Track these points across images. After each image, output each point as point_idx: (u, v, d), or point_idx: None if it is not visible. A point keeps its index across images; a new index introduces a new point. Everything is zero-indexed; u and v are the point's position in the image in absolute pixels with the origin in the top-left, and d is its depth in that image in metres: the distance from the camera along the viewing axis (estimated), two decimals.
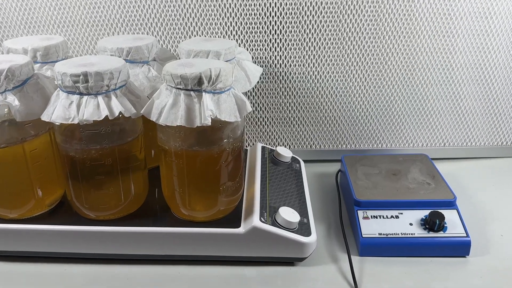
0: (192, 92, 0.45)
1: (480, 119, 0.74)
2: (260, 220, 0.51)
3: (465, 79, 0.71)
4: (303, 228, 0.52)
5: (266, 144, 0.75)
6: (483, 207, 0.64)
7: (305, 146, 0.76)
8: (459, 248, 0.54)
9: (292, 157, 0.67)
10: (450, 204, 0.57)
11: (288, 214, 0.52)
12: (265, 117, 0.73)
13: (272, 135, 0.75)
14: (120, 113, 0.46)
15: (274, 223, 0.51)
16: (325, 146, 0.75)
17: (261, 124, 0.74)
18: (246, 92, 0.68)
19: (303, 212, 0.55)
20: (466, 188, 0.68)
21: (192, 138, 0.48)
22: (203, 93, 0.45)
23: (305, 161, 0.71)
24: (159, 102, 0.46)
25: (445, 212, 0.56)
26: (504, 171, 0.73)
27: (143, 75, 0.55)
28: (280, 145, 0.76)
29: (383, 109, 0.73)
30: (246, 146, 0.74)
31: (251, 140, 0.75)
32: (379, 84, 0.71)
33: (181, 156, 0.48)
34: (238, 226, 0.51)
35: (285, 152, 0.66)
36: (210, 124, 0.44)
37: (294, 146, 0.76)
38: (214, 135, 0.48)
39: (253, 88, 0.71)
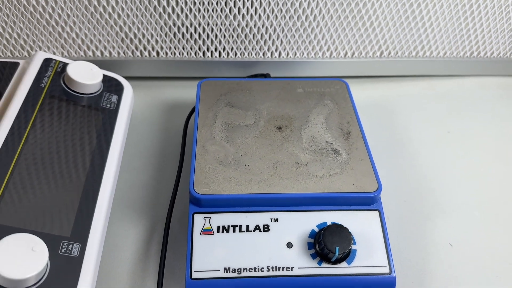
0: None
1: (438, 15, 0.45)
2: None
3: None
4: (61, 272, 0.25)
5: (67, 52, 0.43)
6: (430, 184, 0.38)
7: (140, 53, 0.44)
8: None
9: (108, 79, 0.37)
10: (367, 201, 0.30)
11: (12, 252, 0.24)
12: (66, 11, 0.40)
13: (75, 35, 0.43)
14: None
15: None
16: (182, 52, 0.45)
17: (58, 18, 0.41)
18: None
19: (78, 227, 0.27)
20: (403, 143, 0.42)
21: None
22: None
23: (134, 79, 0.41)
24: None
25: (356, 217, 0.29)
26: (469, 101, 0.47)
27: None
28: (90, 57, 0.44)
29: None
30: (20, 56, 0.41)
31: (34, 45, 0.43)
32: None
33: None
34: None
35: (85, 71, 0.35)
36: None
37: (120, 51, 0.44)
38: None
39: None
